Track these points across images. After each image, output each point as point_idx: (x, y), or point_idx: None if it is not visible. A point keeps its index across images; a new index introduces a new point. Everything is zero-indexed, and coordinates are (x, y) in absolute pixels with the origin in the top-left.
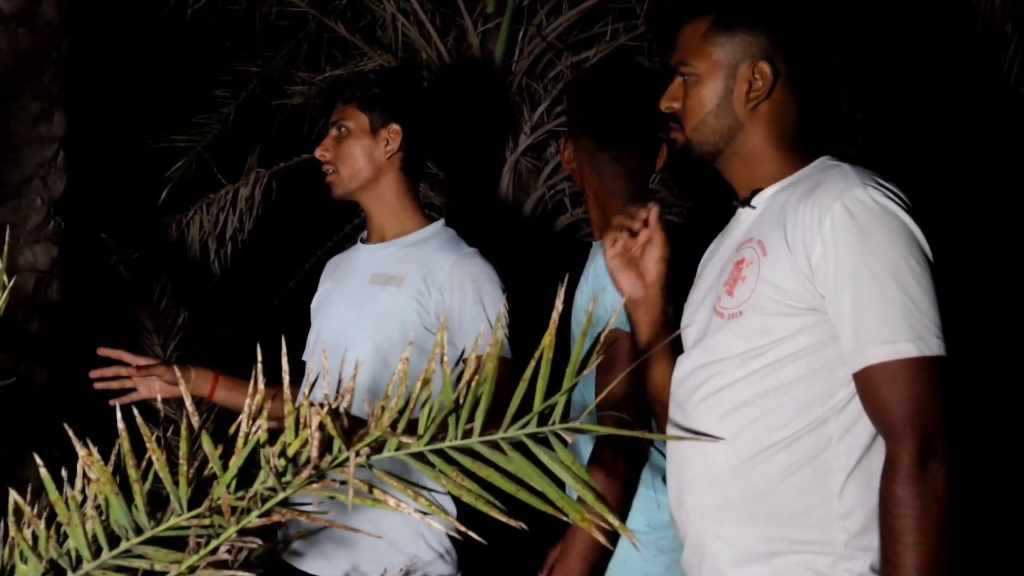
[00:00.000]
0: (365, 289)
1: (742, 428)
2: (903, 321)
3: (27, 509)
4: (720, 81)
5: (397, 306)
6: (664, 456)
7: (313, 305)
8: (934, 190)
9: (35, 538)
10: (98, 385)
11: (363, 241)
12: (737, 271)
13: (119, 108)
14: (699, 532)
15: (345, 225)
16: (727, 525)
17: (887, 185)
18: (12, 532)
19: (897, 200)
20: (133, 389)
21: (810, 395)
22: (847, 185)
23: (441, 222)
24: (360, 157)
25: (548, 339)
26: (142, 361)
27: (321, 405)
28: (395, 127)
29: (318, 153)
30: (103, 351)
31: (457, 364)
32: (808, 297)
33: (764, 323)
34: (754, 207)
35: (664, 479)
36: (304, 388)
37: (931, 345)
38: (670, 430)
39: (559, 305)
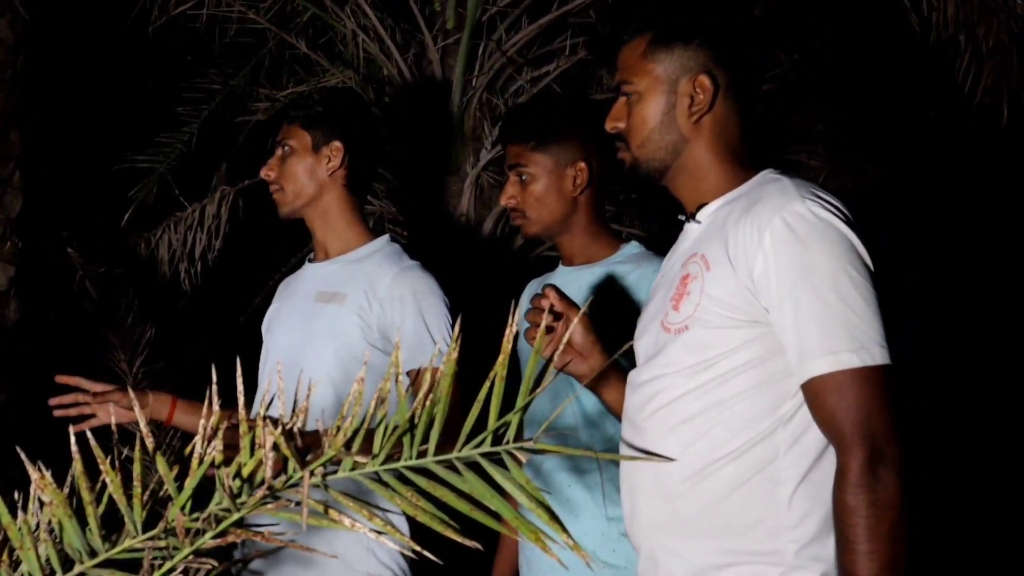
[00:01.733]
0: (310, 307)
1: (691, 441)
2: (844, 332)
3: None
4: (662, 97)
5: (340, 323)
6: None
7: (264, 325)
8: (893, 197)
9: None
10: (57, 412)
11: (310, 260)
12: (683, 286)
13: (81, 126)
14: (652, 545)
15: (309, 241)
16: (679, 538)
17: (825, 197)
18: None
19: (835, 211)
20: (92, 415)
21: (757, 407)
22: (786, 199)
23: (386, 237)
24: (303, 175)
25: (502, 359)
26: (99, 387)
27: (275, 424)
28: (337, 144)
29: (263, 173)
30: (60, 378)
31: (397, 380)
32: (752, 310)
33: (709, 336)
34: (699, 222)
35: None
36: (258, 408)
37: (874, 354)
38: (622, 446)
39: (513, 324)
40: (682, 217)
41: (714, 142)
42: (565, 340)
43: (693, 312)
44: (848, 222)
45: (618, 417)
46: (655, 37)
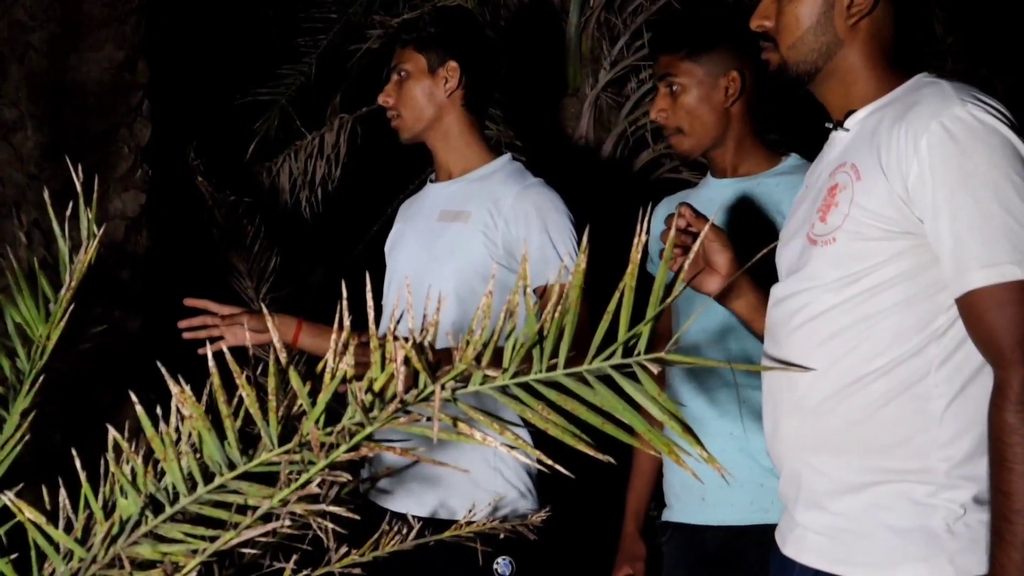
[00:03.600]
0: (434, 227)
1: (838, 357)
2: (1006, 242)
3: (126, 446)
4: None
5: (465, 240)
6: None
7: (387, 247)
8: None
9: (134, 474)
10: (186, 335)
11: (431, 181)
12: (831, 197)
13: (205, 58)
14: (795, 464)
15: (428, 166)
16: (823, 455)
17: (988, 101)
18: (112, 468)
19: (999, 116)
20: (221, 337)
21: (907, 322)
22: (945, 103)
23: (507, 156)
24: (421, 98)
25: (631, 269)
26: (226, 310)
27: (406, 339)
28: (453, 65)
29: (381, 99)
30: (189, 301)
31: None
32: (904, 221)
33: (858, 248)
34: (847, 130)
35: (750, 411)
36: (389, 324)
37: None
38: (764, 361)
39: (641, 235)
40: (829, 125)
41: (869, 46)
42: (692, 253)
43: (842, 223)
44: (1013, 126)
45: (753, 333)
46: None
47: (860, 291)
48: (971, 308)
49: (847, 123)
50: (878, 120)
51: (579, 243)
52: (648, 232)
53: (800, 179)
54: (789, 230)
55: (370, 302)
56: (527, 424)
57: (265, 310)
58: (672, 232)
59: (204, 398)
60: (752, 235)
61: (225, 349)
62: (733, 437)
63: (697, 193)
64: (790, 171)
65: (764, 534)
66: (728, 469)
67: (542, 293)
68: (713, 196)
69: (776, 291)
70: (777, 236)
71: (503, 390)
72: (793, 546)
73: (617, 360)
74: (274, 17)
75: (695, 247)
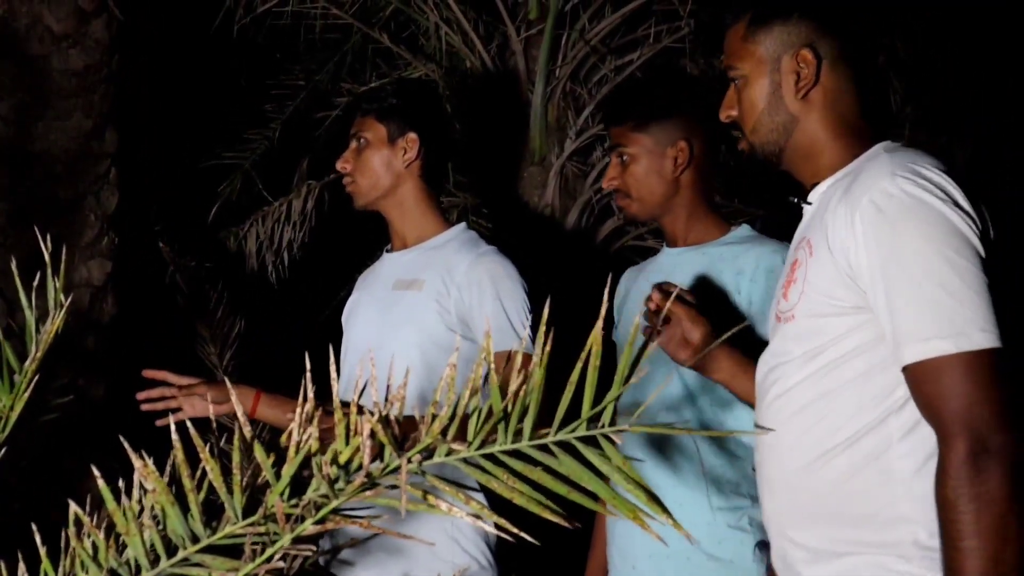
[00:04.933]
0: (389, 295)
1: (805, 430)
2: (937, 317)
3: (87, 520)
4: (766, 77)
5: (419, 308)
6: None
7: (344, 316)
8: (985, 183)
9: (95, 548)
10: (145, 407)
11: (388, 251)
12: (792, 273)
13: (170, 124)
14: (777, 537)
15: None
16: (798, 528)
17: (925, 172)
18: (73, 542)
19: (931, 189)
20: (179, 408)
21: (867, 394)
22: (877, 178)
23: (462, 225)
24: (379, 167)
25: (595, 337)
26: (184, 381)
27: (371, 412)
28: (412, 136)
29: (338, 165)
30: (147, 373)
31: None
32: (853, 297)
33: (815, 325)
34: (810, 203)
35: (713, 480)
36: (351, 395)
37: (973, 339)
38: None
39: (606, 304)
40: (794, 199)
41: (827, 117)
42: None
43: (798, 301)
44: (947, 199)
45: (741, 399)
46: (753, 17)
47: (821, 365)
48: (911, 382)
49: (810, 196)
50: (831, 194)
51: (531, 311)
52: (611, 303)
53: (747, 249)
54: (770, 306)
55: (334, 374)
56: (486, 493)
57: (227, 381)
58: (655, 316)
59: (168, 470)
60: (702, 304)
61: (188, 422)
62: (690, 509)
63: (654, 262)
64: (738, 241)
65: None
66: (700, 541)
67: (497, 362)
68: (664, 264)
69: (759, 364)
70: (721, 306)
71: (468, 461)
72: None
73: (582, 432)
74: (243, 84)
75: (662, 318)
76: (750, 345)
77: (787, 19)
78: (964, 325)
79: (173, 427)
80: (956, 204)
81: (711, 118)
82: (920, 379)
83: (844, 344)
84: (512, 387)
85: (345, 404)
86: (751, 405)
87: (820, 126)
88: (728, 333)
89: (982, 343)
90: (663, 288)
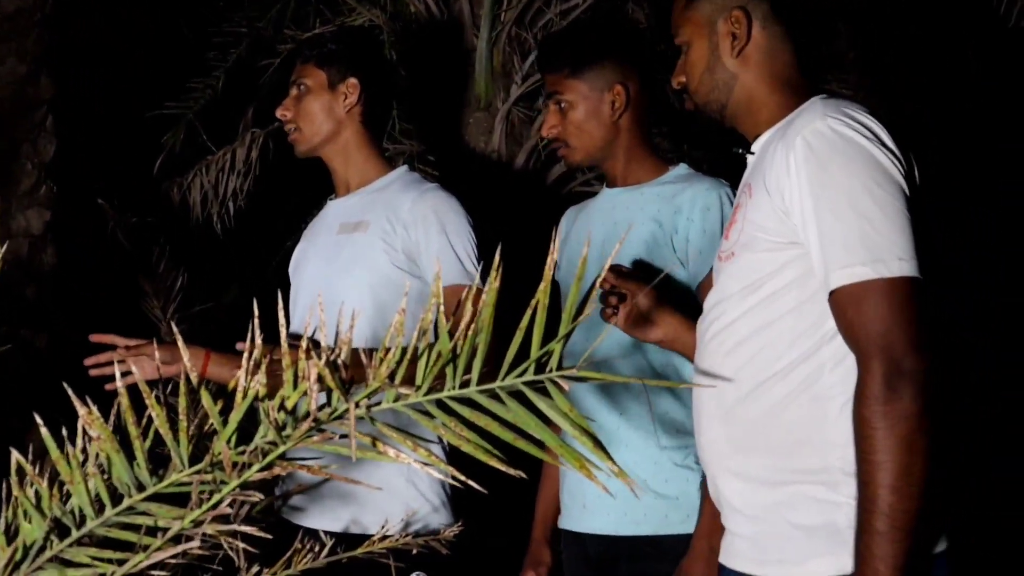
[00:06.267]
0: (335, 240)
1: (743, 363)
2: (859, 245)
3: (29, 468)
4: (704, 40)
5: (365, 249)
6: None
7: (291, 266)
8: (925, 130)
9: (38, 497)
10: (93, 372)
11: (331, 199)
12: (734, 215)
13: (111, 72)
14: (713, 468)
15: None
16: (733, 458)
17: (853, 114)
18: (16, 492)
19: (860, 128)
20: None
21: (800, 326)
22: (810, 119)
23: (404, 167)
24: (320, 113)
25: (543, 286)
26: (132, 343)
27: (318, 355)
28: (353, 81)
29: (279, 113)
30: (94, 337)
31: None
32: (788, 232)
33: (752, 260)
34: (752, 153)
35: (659, 419)
36: (300, 341)
37: (891, 267)
38: (694, 372)
39: (553, 252)
40: (738, 150)
41: (763, 73)
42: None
43: (738, 238)
44: (874, 139)
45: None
46: None
47: (758, 300)
48: (834, 308)
49: (753, 147)
50: (771, 142)
51: (477, 245)
52: (556, 249)
53: (682, 188)
54: (706, 241)
55: (282, 320)
56: (442, 439)
57: (179, 337)
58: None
59: (112, 418)
60: (634, 244)
61: (134, 369)
62: (638, 448)
63: (594, 202)
64: (673, 180)
65: (633, 547)
66: (647, 480)
67: (445, 297)
68: (603, 205)
69: (704, 306)
70: (651, 245)
71: (417, 407)
72: (724, 553)
73: (529, 376)
74: (186, 32)
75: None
76: (687, 290)
77: None
78: (883, 253)
79: (118, 374)
80: (882, 143)
81: (646, 60)
82: (842, 304)
83: (779, 278)
84: (462, 325)
85: (311, 350)
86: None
87: (758, 82)
88: (659, 277)
89: (900, 271)
90: (616, 269)
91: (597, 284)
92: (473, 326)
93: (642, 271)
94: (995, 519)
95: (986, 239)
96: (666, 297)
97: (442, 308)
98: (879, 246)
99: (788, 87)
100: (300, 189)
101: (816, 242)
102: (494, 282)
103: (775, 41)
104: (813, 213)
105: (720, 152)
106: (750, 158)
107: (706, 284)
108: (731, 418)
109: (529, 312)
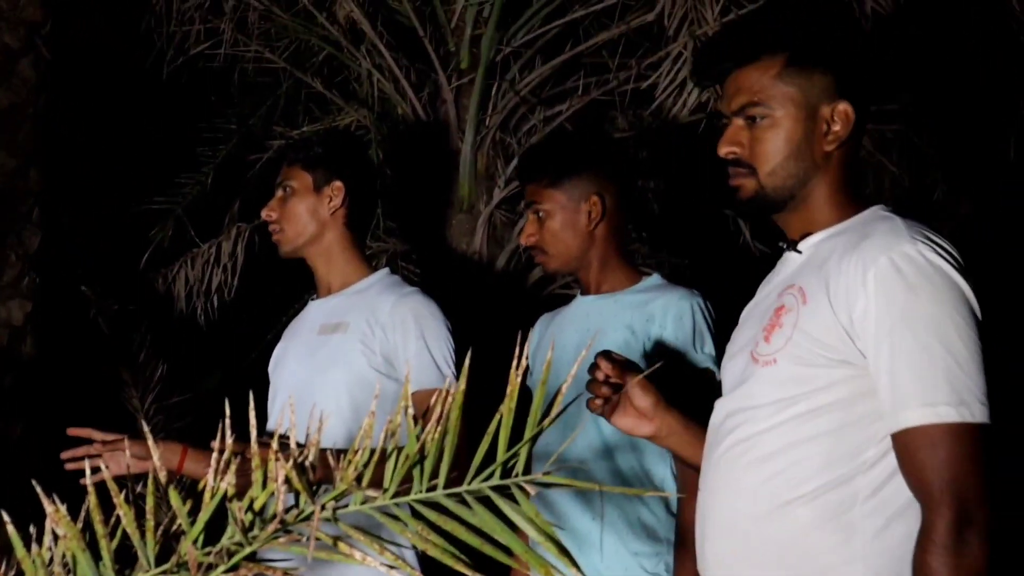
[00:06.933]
0: (315, 340)
1: (767, 478)
2: (945, 383)
3: None
4: (800, 123)
5: (344, 350)
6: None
7: (271, 365)
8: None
9: None
10: (69, 466)
11: (313, 298)
12: (776, 317)
13: (99, 166)
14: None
15: None
16: (748, 572)
17: (938, 240)
18: None
19: (947, 256)
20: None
21: (839, 450)
22: (896, 239)
23: (386, 270)
24: (304, 215)
25: (511, 391)
26: (109, 437)
27: (287, 457)
28: (338, 184)
29: (264, 214)
30: (72, 431)
31: (407, 413)
32: (845, 350)
33: (798, 372)
34: (800, 252)
35: (627, 523)
36: (273, 443)
37: (974, 411)
38: (701, 477)
39: (525, 358)
40: (783, 245)
41: (840, 174)
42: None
43: (784, 346)
44: (960, 269)
45: (691, 466)
46: (793, 58)
47: (795, 415)
48: (905, 445)
49: (801, 245)
50: (831, 247)
51: (456, 350)
52: (526, 354)
53: (654, 296)
54: (736, 345)
55: (252, 420)
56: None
57: (149, 437)
58: (600, 385)
59: (82, 514)
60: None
61: (103, 466)
62: (610, 553)
63: (568, 309)
64: (646, 289)
65: None
66: None
67: (420, 399)
68: (577, 312)
69: (718, 406)
70: (624, 353)
71: (384, 510)
72: None
73: (495, 481)
74: (174, 127)
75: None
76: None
77: (827, 68)
78: (967, 395)
79: (88, 472)
80: (965, 275)
81: (624, 171)
82: (916, 443)
83: (823, 396)
84: (429, 431)
85: (280, 452)
86: (684, 459)
87: (831, 182)
88: (648, 370)
89: (981, 416)
90: (610, 356)
91: (595, 374)
92: (440, 429)
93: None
94: (995, 519)
95: (986, 239)
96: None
97: (410, 411)
98: (965, 387)
99: (850, 193)
100: (284, 281)
101: (889, 369)
102: (461, 386)
103: (856, 147)
104: (888, 339)
105: (698, 259)
106: (792, 256)
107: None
108: (745, 534)
109: (497, 417)
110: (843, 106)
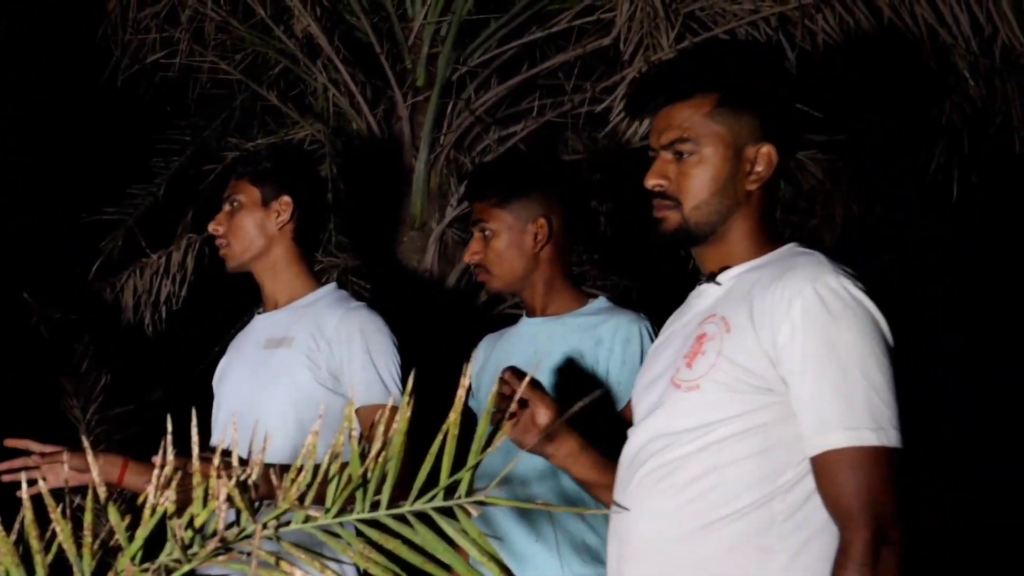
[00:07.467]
0: (259, 354)
1: (687, 501)
2: (866, 409)
3: None
4: (727, 161)
5: (289, 365)
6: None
7: (215, 378)
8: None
9: None
10: (5, 478)
11: (259, 312)
12: (698, 344)
13: (54, 176)
14: None
15: None
16: None
17: (856, 277)
18: None
19: (867, 293)
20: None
21: (759, 472)
22: (820, 271)
23: (332, 285)
24: (252, 229)
25: (454, 416)
26: (47, 449)
27: (229, 476)
28: (286, 199)
29: (211, 228)
30: (9, 442)
31: (351, 435)
32: (768, 377)
33: (721, 398)
34: (719, 284)
35: (571, 545)
36: (215, 459)
37: (890, 436)
38: (615, 497)
39: (466, 379)
40: (701, 278)
41: (759, 211)
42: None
43: (708, 371)
44: (876, 304)
45: (594, 496)
46: (724, 99)
47: (718, 439)
48: (825, 467)
49: (720, 278)
50: (753, 280)
51: (401, 365)
52: (470, 375)
53: (602, 319)
54: (650, 375)
55: (194, 437)
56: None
57: (88, 449)
58: (506, 400)
59: (16, 527)
60: (555, 374)
61: (41, 481)
62: (548, 572)
63: (513, 331)
64: (594, 312)
65: None
66: None
67: (366, 415)
68: (523, 334)
69: (634, 433)
70: (573, 375)
71: (326, 529)
72: None
73: (439, 502)
74: (127, 137)
75: (514, 405)
76: (606, 417)
77: (756, 111)
78: (885, 422)
79: (24, 485)
80: (881, 310)
81: (573, 194)
82: (836, 465)
83: (745, 421)
84: (373, 451)
85: (221, 469)
86: (582, 483)
87: (749, 219)
88: (579, 404)
89: (896, 442)
90: (516, 372)
91: (502, 389)
92: (384, 452)
93: (564, 396)
94: (989, 528)
95: (968, 256)
96: (572, 419)
97: (353, 432)
98: (882, 414)
99: (768, 228)
100: (233, 293)
101: (813, 393)
102: (406, 410)
103: (775, 186)
104: (815, 367)
105: (648, 282)
106: (710, 288)
107: (626, 414)
108: (666, 555)
109: (440, 438)
110: (767, 148)
